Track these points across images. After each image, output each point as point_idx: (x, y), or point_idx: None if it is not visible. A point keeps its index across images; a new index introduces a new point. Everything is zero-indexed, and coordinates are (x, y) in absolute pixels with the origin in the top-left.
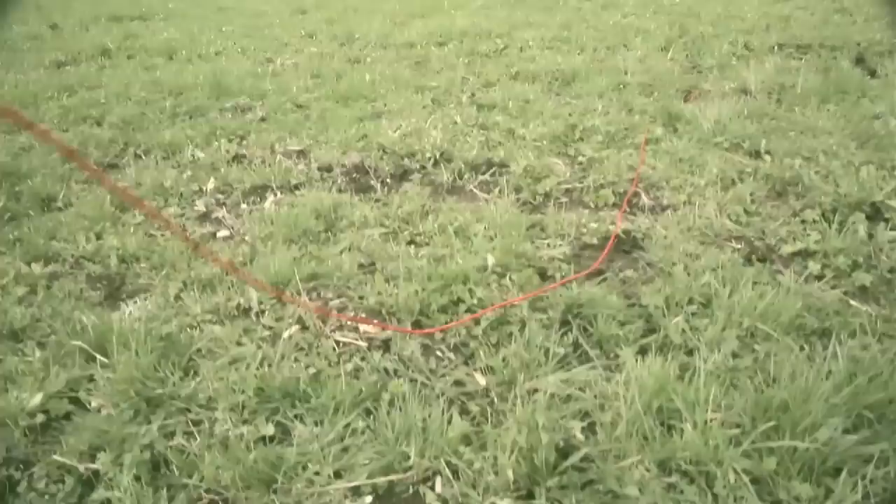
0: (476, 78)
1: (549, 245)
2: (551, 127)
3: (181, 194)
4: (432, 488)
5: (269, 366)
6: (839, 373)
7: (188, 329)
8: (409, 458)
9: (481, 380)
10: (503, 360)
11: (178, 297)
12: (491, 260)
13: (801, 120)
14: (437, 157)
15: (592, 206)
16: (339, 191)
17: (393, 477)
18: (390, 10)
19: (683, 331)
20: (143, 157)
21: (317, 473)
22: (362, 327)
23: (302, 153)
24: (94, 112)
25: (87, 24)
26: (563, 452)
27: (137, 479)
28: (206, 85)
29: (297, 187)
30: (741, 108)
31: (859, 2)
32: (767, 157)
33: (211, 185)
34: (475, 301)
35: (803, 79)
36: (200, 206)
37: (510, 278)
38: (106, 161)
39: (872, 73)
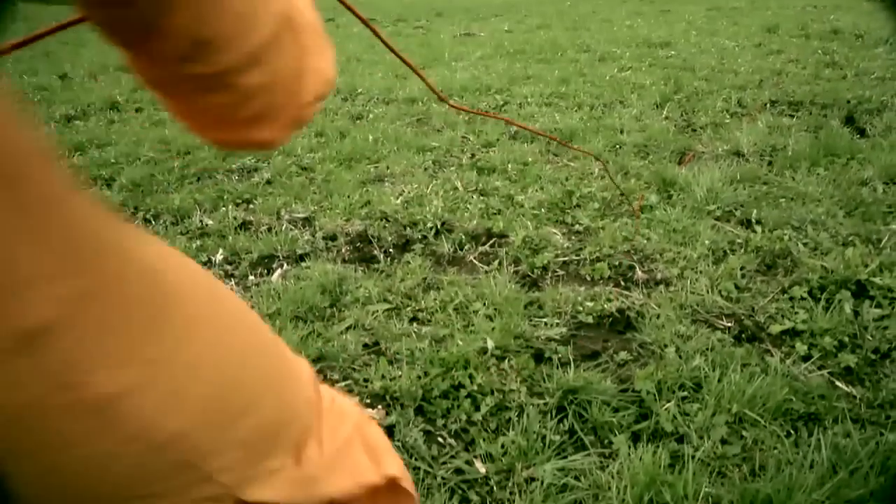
0: (476, 138)
1: (546, 324)
2: (549, 193)
3: None
4: None
5: None
6: (822, 463)
7: None
8: None
9: (481, 468)
10: (502, 446)
11: None
12: (490, 343)
13: (791, 185)
14: (439, 226)
15: (588, 279)
16: (344, 261)
17: None
18: (392, 60)
19: (675, 417)
20: (154, 221)
21: None
22: (368, 412)
23: (307, 220)
24: (104, 173)
25: (96, 74)
26: None
27: None
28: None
29: (302, 258)
30: (734, 172)
31: (849, 55)
32: (758, 228)
33: (220, 256)
34: (475, 387)
35: (794, 140)
36: None
37: (509, 363)
38: None
39: (862, 133)
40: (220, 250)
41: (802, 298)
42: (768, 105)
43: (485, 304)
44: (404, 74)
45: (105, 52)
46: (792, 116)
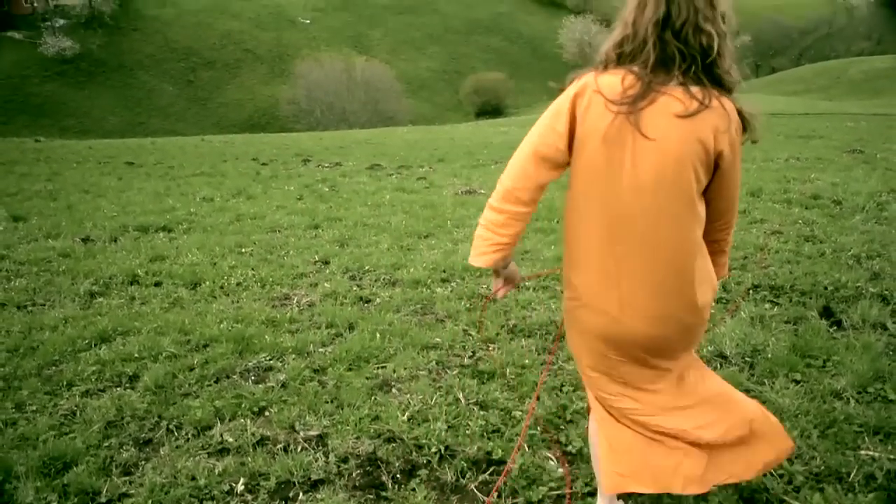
0: (477, 332)
1: None
2: (545, 406)
3: (214, 496)
4: None
5: None
6: None
7: None
8: None
9: None
10: None
11: None
12: None
13: (770, 397)
14: (443, 451)
15: None
16: (355, 487)
17: None
18: (397, 226)
19: None
20: (176, 433)
21: None
22: None
23: (320, 438)
24: (128, 369)
25: (117, 237)
26: None
27: None
28: (231, 339)
29: (317, 485)
30: None
31: (828, 229)
32: None
33: (241, 486)
34: None
35: (775, 339)
36: None
37: None
38: (142, 436)
39: (838, 324)
40: (241, 480)
41: None
42: (751, 291)
43: None
44: (408, 246)
45: (124, 208)
46: (773, 304)
